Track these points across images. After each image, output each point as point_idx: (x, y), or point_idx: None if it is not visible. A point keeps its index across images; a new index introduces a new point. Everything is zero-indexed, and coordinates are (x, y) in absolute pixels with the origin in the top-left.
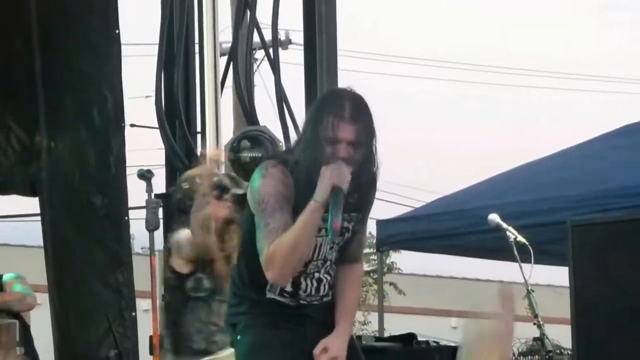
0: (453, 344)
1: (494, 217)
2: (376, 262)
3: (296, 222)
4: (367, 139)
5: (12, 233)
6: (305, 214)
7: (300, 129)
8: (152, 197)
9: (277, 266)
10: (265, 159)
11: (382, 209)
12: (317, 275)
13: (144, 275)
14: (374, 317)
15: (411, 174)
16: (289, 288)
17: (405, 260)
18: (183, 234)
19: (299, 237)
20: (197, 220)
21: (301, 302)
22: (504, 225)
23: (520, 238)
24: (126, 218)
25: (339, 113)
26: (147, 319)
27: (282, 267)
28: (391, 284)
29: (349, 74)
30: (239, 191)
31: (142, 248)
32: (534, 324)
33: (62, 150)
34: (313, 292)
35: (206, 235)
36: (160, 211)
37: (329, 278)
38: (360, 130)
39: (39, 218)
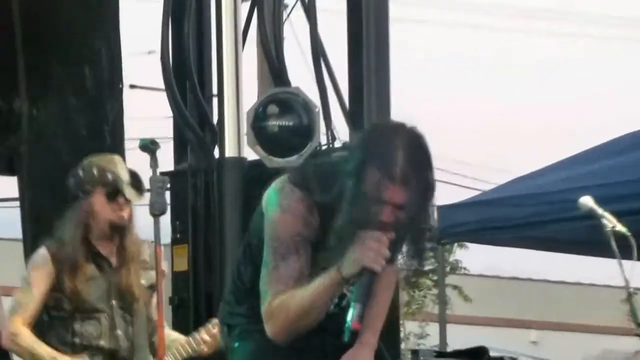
0: None
1: (587, 201)
2: (436, 259)
3: (312, 286)
4: (421, 198)
5: None
6: (324, 281)
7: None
8: (158, 174)
9: (279, 326)
10: (290, 180)
11: (443, 193)
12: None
13: None
14: (433, 328)
15: (474, 153)
16: None
17: (473, 257)
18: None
19: (312, 304)
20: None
21: None
22: (599, 210)
23: (620, 227)
24: None
25: (389, 171)
26: None
27: (284, 329)
28: (455, 287)
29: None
30: (135, 200)
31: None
32: (637, 334)
33: (46, 119)
34: (331, 307)
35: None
36: (168, 193)
37: (349, 294)
38: (412, 192)
39: (16, 203)
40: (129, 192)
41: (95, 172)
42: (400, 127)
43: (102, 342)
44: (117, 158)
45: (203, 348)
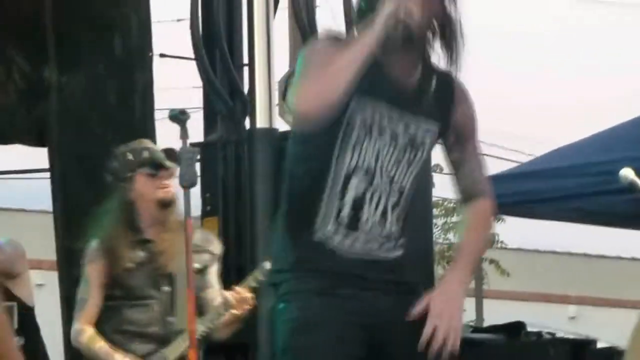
0: (572, 337)
1: (627, 173)
2: None
3: (345, 50)
4: None
5: (9, 194)
6: (356, 43)
7: None
8: (188, 145)
9: (312, 86)
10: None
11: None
12: (381, 201)
13: None
14: (470, 303)
15: (512, 124)
16: (346, 211)
17: (511, 231)
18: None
19: (345, 59)
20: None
21: (363, 246)
22: None
23: None
24: None
25: None
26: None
27: (317, 88)
28: (492, 261)
29: None
30: (175, 170)
31: None
32: None
33: (75, 87)
34: (375, 224)
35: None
36: (198, 164)
37: (396, 214)
38: None
39: (43, 175)
40: (168, 163)
41: (130, 156)
42: None
43: (153, 329)
44: (145, 140)
45: (227, 313)
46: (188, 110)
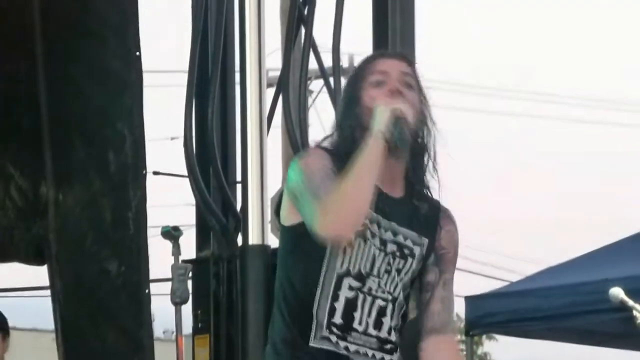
0: None
1: (618, 292)
2: (465, 352)
3: (354, 160)
4: (419, 91)
5: None
6: (364, 149)
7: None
8: (180, 261)
9: (334, 210)
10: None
11: (471, 283)
12: (374, 306)
13: None
14: None
15: (507, 243)
16: (338, 319)
17: (503, 350)
18: None
19: (360, 172)
20: None
21: (356, 347)
22: (631, 302)
23: None
24: (147, 291)
25: (379, 54)
26: None
27: (340, 210)
28: None
29: None
30: None
31: (164, 332)
32: None
33: (72, 204)
34: (371, 326)
35: None
36: (190, 281)
37: (392, 322)
38: (411, 69)
39: (24, 293)
40: None
41: None
42: None
43: None
44: None
45: None
46: (181, 227)
